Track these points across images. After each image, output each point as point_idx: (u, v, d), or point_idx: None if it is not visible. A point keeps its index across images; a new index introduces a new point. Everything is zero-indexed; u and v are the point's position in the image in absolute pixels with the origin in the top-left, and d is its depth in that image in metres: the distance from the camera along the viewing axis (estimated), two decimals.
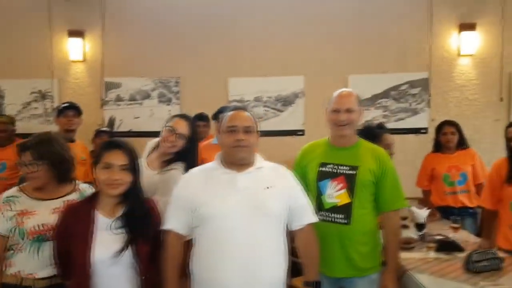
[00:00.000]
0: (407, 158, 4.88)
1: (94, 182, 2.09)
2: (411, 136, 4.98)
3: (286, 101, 5.02)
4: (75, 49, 5.05)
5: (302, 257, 2.18)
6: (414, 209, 3.52)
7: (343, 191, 2.44)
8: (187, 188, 2.08)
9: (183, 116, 2.78)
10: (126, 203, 2.08)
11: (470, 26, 4.86)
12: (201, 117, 4.29)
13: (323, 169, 2.51)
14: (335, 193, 2.45)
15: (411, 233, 3.44)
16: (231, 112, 2.14)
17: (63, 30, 5.07)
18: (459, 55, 4.93)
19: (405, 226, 3.67)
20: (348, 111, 2.42)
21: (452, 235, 3.40)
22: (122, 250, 1.95)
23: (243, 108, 2.19)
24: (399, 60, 4.97)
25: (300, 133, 5.00)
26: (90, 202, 2.07)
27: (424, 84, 4.93)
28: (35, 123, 5.12)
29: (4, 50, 5.12)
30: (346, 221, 2.41)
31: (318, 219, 2.24)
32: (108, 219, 2.03)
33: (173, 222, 2.08)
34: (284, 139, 4.99)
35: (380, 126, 3.48)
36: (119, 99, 5.09)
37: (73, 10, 5.07)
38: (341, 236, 2.43)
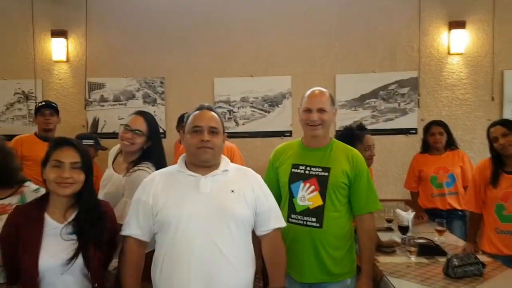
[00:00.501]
0: (396, 159, 4.90)
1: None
2: (400, 137, 4.91)
3: (273, 102, 4.94)
4: (58, 49, 4.97)
5: (268, 264, 2.10)
6: (399, 211, 3.46)
7: (315, 193, 2.39)
8: (147, 191, 1.99)
9: (139, 113, 2.68)
10: (78, 206, 1.97)
11: (460, 24, 4.76)
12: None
13: (295, 170, 2.45)
14: (307, 196, 2.40)
15: (395, 236, 3.37)
16: (196, 112, 2.07)
17: (46, 30, 5.00)
18: (449, 53, 4.83)
19: (390, 229, 3.61)
20: (320, 111, 2.37)
21: (437, 238, 3.34)
22: (72, 258, 1.85)
23: (209, 108, 2.10)
24: (388, 59, 4.89)
25: (288, 134, 4.92)
26: (41, 205, 1.96)
27: (413, 83, 4.84)
28: (18, 124, 5.04)
29: None
30: (318, 225, 2.36)
31: (284, 224, 2.17)
32: (59, 223, 1.93)
33: (132, 227, 1.99)
34: (271, 140, 4.91)
35: (361, 127, 3.38)
36: (103, 99, 5.01)
37: (56, 10, 5.00)
38: (313, 240, 2.37)
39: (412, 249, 2.89)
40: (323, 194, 2.36)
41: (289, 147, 2.58)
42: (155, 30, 4.99)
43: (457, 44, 4.79)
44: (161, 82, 4.99)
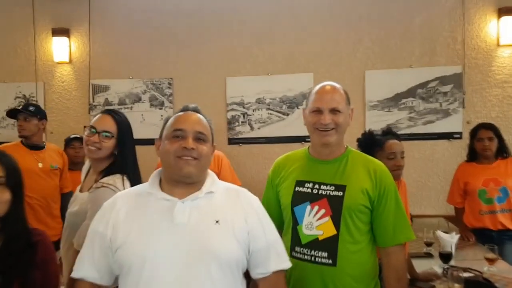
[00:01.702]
0: (438, 168, 4.35)
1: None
2: (442, 142, 4.32)
3: (293, 103, 4.44)
4: (60, 49, 4.65)
5: None
6: (440, 233, 2.97)
7: (326, 219, 1.86)
8: (106, 220, 1.52)
9: (107, 111, 2.22)
10: (2, 233, 1.54)
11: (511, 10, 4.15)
12: None
13: (300, 189, 1.94)
14: (315, 222, 1.88)
15: (434, 264, 2.84)
16: (179, 113, 1.61)
17: (47, 29, 4.70)
18: (498, 45, 4.22)
19: (429, 255, 3.08)
20: (333, 111, 1.87)
21: (487, 268, 2.77)
22: None
23: (195, 109, 1.64)
24: (427, 53, 4.32)
25: (309, 139, 4.27)
26: None
27: (457, 80, 4.25)
28: None
29: None
30: (330, 261, 1.84)
31: (289, 264, 1.63)
32: None
33: (86, 267, 1.53)
34: (290, 146, 4.38)
35: (386, 132, 2.82)
36: (107, 103, 4.64)
37: (57, 6, 4.69)
38: (325, 282, 1.84)
39: (456, 286, 2.31)
40: (336, 221, 1.84)
41: (292, 159, 2.07)
42: (163, 27, 4.61)
43: (508, 33, 4.18)
44: (169, 83, 4.59)
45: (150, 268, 1.41)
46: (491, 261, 2.78)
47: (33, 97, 4.71)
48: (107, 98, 4.64)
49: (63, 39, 4.64)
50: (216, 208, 1.53)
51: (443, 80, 4.26)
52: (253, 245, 1.54)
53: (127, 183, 2.05)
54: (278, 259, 1.59)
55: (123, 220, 1.50)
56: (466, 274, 2.51)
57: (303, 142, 4.37)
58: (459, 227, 3.66)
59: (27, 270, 1.52)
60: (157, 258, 1.41)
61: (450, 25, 4.29)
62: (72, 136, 4.14)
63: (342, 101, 1.89)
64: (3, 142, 4.14)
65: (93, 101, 4.66)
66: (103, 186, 1.99)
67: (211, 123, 1.64)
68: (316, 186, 1.90)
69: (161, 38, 4.60)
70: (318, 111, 1.88)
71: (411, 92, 4.31)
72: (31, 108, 3.51)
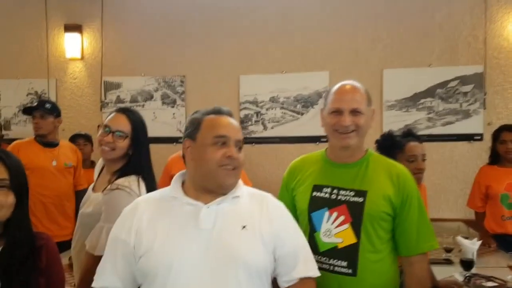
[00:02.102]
0: (457, 170, 4.22)
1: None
2: (462, 144, 4.19)
3: (308, 102, 4.34)
4: (72, 45, 4.61)
5: None
6: (461, 239, 2.79)
7: (345, 226, 1.75)
8: (128, 226, 1.46)
9: (121, 110, 2.13)
10: (4, 238, 1.46)
11: None
12: None
13: (318, 194, 1.83)
14: (334, 230, 1.77)
15: (455, 272, 2.68)
16: (215, 116, 1.50)
17: (60, 25, 4.67)
18: None
19: (448, 262, 2.93)
20: (354, 112, 1.75)
21: (511, 277, 2.59)
22: None
23: (230, 113, 1.55)
24: (447, 51, 4.19)
25: (324, 140, 4.18)
26: None
27: (478, 80, 4.11)
28: (31, 127, 4.60)
29: None
30: (350, 271, 1.73)
31: (317, 273, 1.55)
32: None
33: (107, 276, 1.47)
34: (305, 146, 4.29)
35: (407, 133, 2.71)
36: (119, 100, 4.59)
37: (70, 2, 4.65)
38: None
39: None
40: (356, 228, 1.73)
41: (309, 161, 1.96)
42: (176, 23, 4.55)
43: None
44: (182, 81, 4.52)
45: (176, 276, 1.36)
46: None
47: (45, 93, 4.68)
48: (119, 96, 4.59)
49: (76, 35, 4.60)
50: (242, 213, 1.47)
51: (463, 80, 4.13)
52: (280, 251, 1.48)
53: (142, 184, 1.99)
54: (305, 265, 1.52)
55: (146, 226, 1.44)
56: (489, 284, 2.40)
57: (317, 143, 4.27)
58: (480, 232, 3.53)
59: (30, 275, 1.45)
60: (183, 265, 1.36)
61: (471, 23, 4.16)
62: (77, 132, 4.11)
63: (363, 102, 1.78)
64: (15, 139, 4.12)
65: (105, 99, 4.62)
66: (118, 188, 1.93)
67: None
68: (335, 191, 1.80)
69: (174, 35, 4.54)
70: (337, 112, 1.76)
71: (430, 92, 4.18)
72: (47, 106, 3.45)
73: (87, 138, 4.10)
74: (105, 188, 1.99)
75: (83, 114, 4.65)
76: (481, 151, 4.06)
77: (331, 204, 1.78)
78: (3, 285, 1.41)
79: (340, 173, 1.82)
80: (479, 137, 4.13)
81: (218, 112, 1.52)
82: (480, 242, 2.88)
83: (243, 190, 1.53)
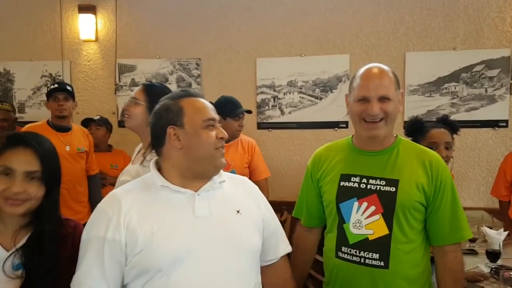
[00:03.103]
0: (481, 158, 4.07)
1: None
2: (486, 130, 4.03)
3: (326, 86, 4.19)
4: (86, 27, 4.50)
5: None
6: (487, 229, 2.72)
7: (377, 217, 1.68)
8: (115, 224, 1.35)
9: (143, 84, 2.19)
10: (32, 228, 1.44)
11: None
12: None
13: (346, 184, 1.75)
14: (365, 221, 1.70)
15: (479, 263, 2.60)
16: (197, 99, 1.49)
17: (74, 6, 4.55)
18: None
19: (473, 252, 2.84)
20: (383, 99, 1.65)
21: None
22: None
23: (202, 95, 1.54)
24: (472, 34, 4.01)
25: (343, 125, 4.17)
26: None
27: (504, 64, 3.93)
28: (45, 110, 4.53)
29: (12, 28, 4.67)
30: (382, 263, 1.67)
31: (290, 248, 1.68)
32: (4, 250, 1.40)
33: (94, 279, 1.35)
34: (323, 132, 4.22)
35: (440, 120, 2.64)
36: (134, 84, 4.48)
37: None
38: (376, 284, 1.68)
39: None
40: (388, 219, 1.66)
41: (335, 149, 1.88)
42: (191, 5, 4.40)
43: None
44: (197, 64, 4.39)
45: (182, 266, 1.32)
46: None
47: (59, 76, 4.59)
48: (133, 79, 4.49)
49: (90, 16, 4.49)
50: (232, 198, 1.49)
51: (489, 64, 3.95)
52: (266, 232, 1.55)
53: None
54: (285, 243, 1.64)
55: (138, 220, 1.35)
56: None
57: (336, 128, 4.17)
58: (504, 222, 3.41)
59: (55, 264, 1.42)
60: (187, 255, 1.33)
61: (498, 5, 3.96)
62: (89, 117, 4.05)
63: (391, 87, 1.67)
64: (30, 122, 4.09)
65: (120, 81, 4.52)
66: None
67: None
68: (364, 180, 1.72)
69: (189, 17, 4.40)
70: (364, 100, 1.66)
71: (454, 76, 4.01)
72: (68, 88, 3.43)
73: (100, 122, 4.03)
74: (142, 161, 1.96)
75: (97, 97, 4.57)
76: (506, 138, 3.94)
77: (360, 194, 1.70)
78: (28, 274, 1.38)
79: (369, 161, 1.74)
80: (504, 124, 3.97)
81: (192, 94, 1.49)
82: (506, 232, 2.78)
83: (224, 174, 1.53)
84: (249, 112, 3.51)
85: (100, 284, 1.34)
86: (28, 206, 1.40)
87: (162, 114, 1.45)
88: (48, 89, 3.45)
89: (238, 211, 1.45)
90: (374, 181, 1.70)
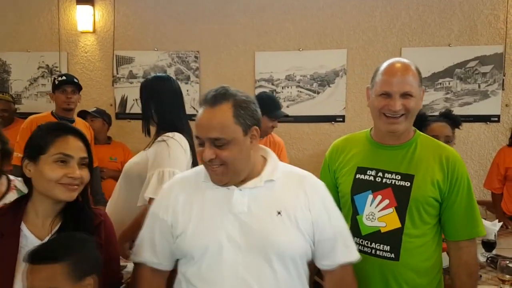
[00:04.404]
0: (473, 152, 4.20)
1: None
2: (479, 125, 4.15)
3: (324, 80, 4.25)
4: (84, 18, 4.49)
5: None
6: (482, 221, 2.72)
7: (390, 210, 1.71)
8: (165, 205, 1.48)
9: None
10: (63, 216, 1.49)
11: None
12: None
13: (361, 176, 1.78)
14: (378, 213, 1.73)
15: (477, 253, 2.65)
16: (200, 112, 1.39)
17: None
18: None
19: None
20: (405, 96, 1.66)
21: None
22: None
23: (214, 100, 1.37)
24: (467, 31, 4.11)
25: (340, 119, 4.25)
26: (16, 212, 1.48)
27: (497, 60, 4.04)
28: (42, 101, 4.64)
29: (9, 19, 4.63)
30: (393, 255, 1.70)
31: (358, 256, 1.53)
32: (39, 240, 1.44)
33: (146, 252, 1.50)
34: (320, 126, 4.30)
35: (442, 114, 2.72)
36: (132, 76, 4.50)
37: None
38: (385, 276, 1.71)
39: (507, 277, 2.17)
40: (401, 213, 1.69)
41: (352, 142, 1.90)
42: None
43: None
44: (196, 57, 4.42)
45: (211, 259, 1.37)
46: None
47: (56, 67, 4.58)
48: (131, 71, 4.50)
49: (87, 8, 4.48)
50: (277, 198, 1.43)
51: (483, 60, 4.05)
52: (318, 235, 1.45)
53: (181, 136, 2.12)
54: (346, 250, 1.50)
55: (182, 207, 1.44)
56: None
57: (333, 122, 4.26)
58: (496, 213, 3.51)
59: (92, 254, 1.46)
60: (217, 249, 1.36)
61: (492, 2, 4.07)
62: (84, 109, 4.04)
63: (415, 83, 1.67)
64: (26, 113, 4.09)
65: (117, 73, 4.53)
66: (163, 140, 2.09)
67: (244, 107, 1.38)
68: (380, 174, 1.74)
69: (188, 9, 4.42)
70: (386, 95, 1.68)
71: (448, 72, 4.11)
72: (76, 81, 3.45)
73: (95, 114, 4.02)
74: (149, 145, 2.17)
75: (95, 88, 4.56)
76: (498, 132, 4.06)
77: (375, 187, 1.74)
78: None
79: (386, 155, 1.77)
80: (496, 119, 4.09)
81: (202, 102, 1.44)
82: (500, 223, 2.88)
83: (278, 172, 1.47)
84: (287, 116, 3.56)
85: (150, 257, 1.49)
86: (79, 191, 1.47)
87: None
88: (56, 81, 3.45)
89: (279, 212, 1.39)
90: (390, 175, 1.73)
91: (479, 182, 3.83)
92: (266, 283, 1.35)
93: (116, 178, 2.30)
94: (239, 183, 1.41)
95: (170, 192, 1.49)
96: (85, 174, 1.46)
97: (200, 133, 1.37)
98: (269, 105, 3.21)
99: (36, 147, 1.43)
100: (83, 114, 3.99)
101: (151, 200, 1.85)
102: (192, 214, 1.41)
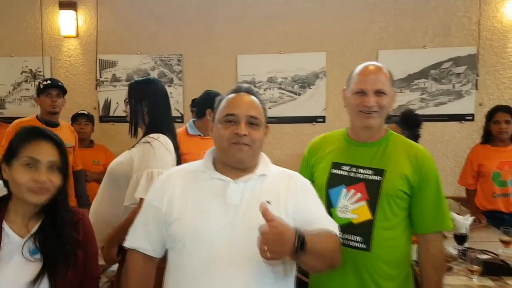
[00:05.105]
0: (448, 150, 4.33)
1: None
2: (453, 124, 4.28)
3: (305, 82, 4.37)
4: (67, 23, 4.55)
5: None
6: (454, 215, 2.88)
7: (362, 203, 1.81)
8: (161, 194, 1.55)
9: (129, 85, 2.43)
10: (43, 215, 1.55)
11: None
12: None
13: (336, 171, 1.88)
14: (351, 206, 1.83)
15: (448, 246, 2.74)
16: (232, 95, 1.58)
17: (54, 2, 4.59)
18: None
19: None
20: (378, 93, 1.77)
21: (501, 250, 2.75)
22: (34, 282, 1.44)
23: (249, 90, 1.60)
24: (441, 33, 4.25)
25: (321, 120, 4.37)
26: None
27: (471, 61, 4.18)
28: (26, 105, 4.68)
29: None
30: (365, 246, 1.79)
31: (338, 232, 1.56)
32: (20, 237, 1.51)
33: (139, 239, 1.57)
34: (301, 126, 4.41)
35: (404, 115, 2.82)
36: (115, 79, 4.57)
37: None
38: (357, 267, 1.80)
39: (475, 268, 2.29)
40: (372, 205, 1.79)
41: (329, 140, 2.00)
42: (173, 1, 4.51)
43: None
44: (179, 60, 4.51)
45: (203, 244, 1.43)
46: (506, 243, 2.77)
47: (40, 72, 4.63)
48: (114, 74, 4.56)
49: (70, 13, 4.54)
50: (268, 190, 1.53)
51: (456, 61, 4.19)
52: (299, 217, 1.51)
53: (166, 137, 2.18)
54: (333, 224, 1.55)
55: (178, 195, 1.52)
56: (484, 256, 2.49)
57: (314, 123, 4.37)
58: (470, 209, 3.64)
59: (72, 250, 1.54)
60: (209, 235, 1.43)
61: (465, 5, 4.20)
62: (80, 112, 4.09)
63: (387, 82, 1.80)
64: (10, 117, 4.11)
65: (100, 77, 4.58)
66: (147, 142, 2.13)
67: (265, 104, 1.60)
68: (354, 169, 1.84)
69: (171, 12, 4.49)
70: (361, 93, 1.79)
71: (423, 73, 4.25)
72: (60, 84, 3.49)
73: (89, 118, 4.09)
74: (133, 146, 2.21)
75: (78, 92, 4.61)
76: (472, 131, 4.18)
77: (349, 181, 1.83)
78: (46, 258, 1.48)
79: (360, 152, 1.87)
80: (470, 118, 4.22)
81: (235, 91, 1.59)
82: (472, 218, 3.00)
83: (271, 168, 1.59)
84: None
85: (145, 243, 1.55)
86: (49, 195, 1.50)
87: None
88: (41, 85, 3.48)
89: (268, 202, 1.44)
90: (363, 170, 1.83)
91: (455, 179, 3.93)
92: (257, 265, 1.42)
93: (99, 181, 2.34)
94: (235, 177, 1.51)
95: (168, 181, 1.57)
96: (54, 178, 1.49)
97: (238, 111, 1.50)
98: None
99: (10, 151, 1.49)
100: (77, 117, 4.05)
101: (141, 200, 1.89)
102: (188, 202, 1.49)
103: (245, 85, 1.61)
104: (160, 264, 1.61)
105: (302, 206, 1.54)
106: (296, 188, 1.57)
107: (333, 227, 1.54)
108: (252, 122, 1.51)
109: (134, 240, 1.58)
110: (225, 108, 1.53)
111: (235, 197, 1.48)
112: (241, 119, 1.50)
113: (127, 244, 1.59)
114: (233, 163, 1.52)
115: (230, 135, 1.49)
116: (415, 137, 3.08)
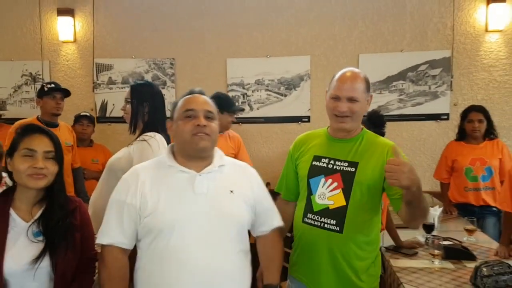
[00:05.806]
0: (425, 147, 4.54)
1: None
2: (430, 123, 4.49)
3: (290, 84, 4.58)
4: (65, 29, 4.75)
5: (263, 260, 1.95)
6: None
7: (337, 191, 2.03)
8: (132, 191, 1.71)
9: (130, 86, 2.57)
10: (45, 202, 1.78)
11: None
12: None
13: (317, 163, 2.11)
14: (327, 193, 2.05)
15: (418, 235, 3.04)
16: (188, 96, 1.81)
17: (53, 9, 4.79)
18: (486, 30, 4.35)
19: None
20: (351, 100, 1.99)
21: (466, 238, 3.01)
22: (36, 260, 1.66)
23: (202, 93, 1.86)
24: (417, 37, 4.46)
25: (306, 119, 4.58)
26: (5, 200, 1.76)
27: (446, 64, 4.40)
28: (26, 107, 4.88)
29: None
30: (338, 228, 2.00)
31: (282, 223, 1.97)
32: (25, 222, 1.74)
33: (115, 234, 1.70)
34: (287, 126, 4.62)
35: (370, 116, 3.08)
36: (111, 82, 4.77)
37: None
38: (331, 247, 2.02)
39: (436, 252, 2.55)
40: (347, 193, 2.01)
41: (312, 136, 2.23)
42: (165, 7, 4.70)
43: (496, 20, 4.31)
44: (171, 64, 4.72)
45: (179, 231, 1.63)
46: (470, 232, 3.01)
47: (39, 75, 4.82)
48: (110, 77, 4.76)
49: (68, 19, 4.73)
50: (229, 180, 1.78)
51: (432, 64, 4.39)
52: (259, 208, 1.84)
53: (160, 136, 2.34)
54: (278, 218, 1.94)
55: (149, 190, 1.68)
56: (446, 243, 2.72)
57: (299, 122, 4.57)
58: (443, 201, 3.84)
59: (68, 235, 1.75)
60: (184, 223, 1.64)
61: (440, 11, 4.39)
62: (82, 113, 4.26)
63: (360, 90, 1.99)
64: (12, 119, 4.32)
65: (97, 80, 4.79)
66: (144, 140, 2.30)
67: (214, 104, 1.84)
68: (332, 161, 2.06)
69: (164, 19, 4.67)
70: (336, 98, 2.00)
71: (401, 75, 4.45)
72: (65, 88, 3.68)
73: (91, 119, 4.26)
74: (131, 143, 2.37)
75: (76, 94, 4.77)
76: (447, 129, 4.38)
77: (327, 172, 2.05)
78: (48, 239, 1.70)
79: (338, 147, 2.09)
80: (445, 117, 4.42)
81: (189, 93, 1.84)
82: (441, 209, 3.22)
83: (226, 159, 1.83)
84: (242, 110, 3.98)
85: (119, 237, 1.69)
86: (47, 181, 1.72)
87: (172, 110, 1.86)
88: (46, 88, 3.65)
89: (231, 191, 1.73)
90: (340, 162, 2.05)
91: (431, 175, 4.10)
92: (225, 248, 1.68)
93: (97, 179, 2.46)
94: (198, 169, 1.72)
95: (137, 179, 1.71)
96: (50, 165, 1.71)
97: (195, 106, 1.73)
98: (227, 102, 3.55)
99: (12, 146, 1.74)
100: (81, 117, 4.21)
101: None
102: (160, 195, 1.66)
103: (197, 89, 1.86)
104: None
105: (258, 197, 1.85)
106: (251, 179, 1.87)
107: (277, 219, 1.94)
108: (208, 116, 1.74)
109: (110, 236, 1.69)
110: (183, 106, 1.76)
111: (202, 187, 1.70)
112: (199, 113, 1.72)
113: (103, 241, 1.70)
114: (197, 151, 1.72)
115: (191, 127, 1.70)
116: (381, 134, 3.33)
